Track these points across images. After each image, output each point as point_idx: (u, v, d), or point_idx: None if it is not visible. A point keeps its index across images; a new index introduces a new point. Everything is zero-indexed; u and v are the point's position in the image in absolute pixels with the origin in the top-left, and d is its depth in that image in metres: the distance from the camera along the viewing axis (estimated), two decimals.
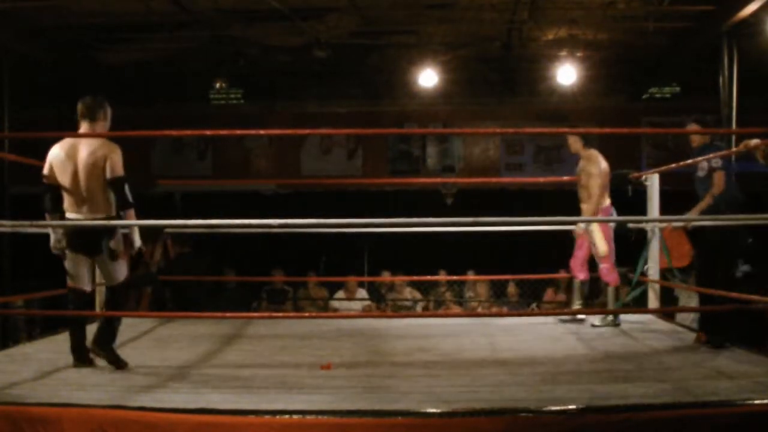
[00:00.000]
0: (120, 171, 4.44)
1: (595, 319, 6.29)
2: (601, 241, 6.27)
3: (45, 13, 8.80)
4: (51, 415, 3.48)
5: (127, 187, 4.45)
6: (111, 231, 4.50)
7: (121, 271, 4.62)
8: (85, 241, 4.51)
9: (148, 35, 9.75)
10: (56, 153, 4.46)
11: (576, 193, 6.51)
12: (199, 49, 10.27)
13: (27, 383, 4.08)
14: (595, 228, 6.29)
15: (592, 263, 6.50)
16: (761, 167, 10.73)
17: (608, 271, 6.31)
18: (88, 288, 4.62)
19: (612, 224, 6.31)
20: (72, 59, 10.19)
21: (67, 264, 4.56)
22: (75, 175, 4.41)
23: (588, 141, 6.47)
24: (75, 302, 4.56)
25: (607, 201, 6.35)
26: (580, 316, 6.47)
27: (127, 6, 8.53)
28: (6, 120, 8.79)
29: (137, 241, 4.63)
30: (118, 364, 4.47)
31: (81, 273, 4.57)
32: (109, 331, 4.54)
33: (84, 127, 4.52)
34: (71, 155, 4.43)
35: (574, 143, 6.49)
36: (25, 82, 9.76)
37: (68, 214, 4.47)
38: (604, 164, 6.37)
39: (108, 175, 4.40)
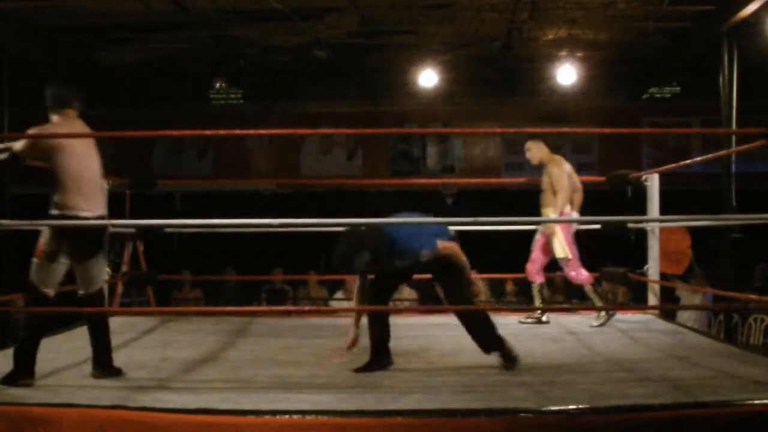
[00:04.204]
0: None
1: (593, 320, 6.29)
2: (561, 246, 6.25)
3: (45, 13, 8.79)
4: (51, 415, 3.48)
5: None
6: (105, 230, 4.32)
7: (103, 274, 4.44)
8: (87, 241, 4.23)
9: (148, 35, 9.75)
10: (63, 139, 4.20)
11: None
12: (199, 49, 10.26)
13: None
14: (557, 232, 6.27)
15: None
16: (760, 167, 10.81)
17: (577, 274, 6.30)
18: (53, 294, 4.23)
19: (572, 228, 6.30)
20: (72, 59, 10.19)
21: (44, 266, 4.17)
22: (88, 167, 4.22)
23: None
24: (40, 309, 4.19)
25: (568, 206, 6.32)
26: (544, 319, 6.44)
27: (127, 6, 8.53)
28: (6, 120, 8.79)
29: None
30: (119, 374, 4.28)
31: (55, 278, 4.21)
32: (104, 345, 4.29)
33: (56, 119, 4.28)
34: (78, 143, 4.22)
35: (538, 151, 6.40)
36: (25, 82, 9.75)
37: (73, 212, 4.16)
38: (568, 168, 6.39)
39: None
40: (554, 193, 6.27)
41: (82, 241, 4.22)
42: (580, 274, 6.31)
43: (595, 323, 6.20)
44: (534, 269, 6.49)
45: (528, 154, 6.50)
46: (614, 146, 11.50)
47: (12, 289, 7.94)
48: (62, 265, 4.22)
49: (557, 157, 6.46)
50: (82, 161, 4.22)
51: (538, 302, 6.54)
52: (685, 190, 9.72)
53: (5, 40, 8.90)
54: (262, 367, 4.65)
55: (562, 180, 6.26)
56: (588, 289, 6.33)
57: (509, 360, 4.42)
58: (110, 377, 4.21)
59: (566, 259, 6.28)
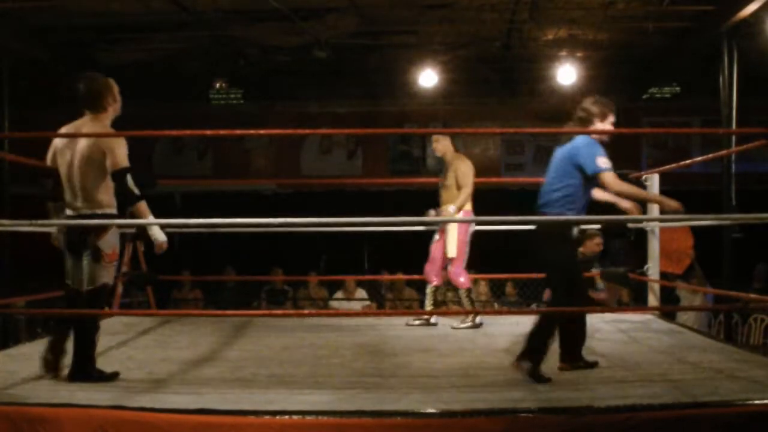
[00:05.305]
0: (123, 162, 4.23)
1: (455, 321, 6.27)
2: (454, 243, 6.19)
3: (45, 13, 8.79)
4: (51, 415, 3.48)
5: (130, 179, 4.24)
6: (99, 228, 4.15)
7: (102, 275, 4.19)
8: (72, 238, 4.21)
9: (148, 35, 9.75)
10: (59, 139, 4.26)
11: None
12: (199, 49, 10.27)
13: (27, 383, 4.08)
14: (452, 229, 6.22)
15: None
16: (760, 167, 10.78)
17: (457, 274, 6.23)
18: (82, 288, 4.21)
19: (470, 228, 6.26)
20: (72, 59, 10.19)
21: (66, 261, 4.28)
22: (71, 165, 4.20)
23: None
24: (67, 302, 4.23)
25: (470, 204, 6.30)
26: (432, 320, 6.37)
27: (127, 6, 8.53)
28: (6, 120, 8.80)
29: (158, 236, 4.36)
30: (109, 379, 4.17)
31: (74, 271, 4.23)
32: (86, 349, 4.14)
33: (88, 116, 4.28)
34: (70, 143, 4.20)
35: (444, 146, 6.38)
36: (25, 82, 9.76)
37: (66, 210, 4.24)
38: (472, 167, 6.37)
39: (109, 168, 4.18)
40: (458, 188, 6.24)
41: (69, 237, 4.26)
42: (459, 276, 6.23)
43: (462, 326, 6.17)
44: (433, 270, 6.41)
45: (434, 145, 6.50)
46: (614, 146, 11.48)
47: (13, 290, 7.97)
48: (73, 261, 4.25)
49: (462, 155, 6.46)
50: (67, 161, 4.22)
51: (429, 304, 6.40)
52: (685, 190, 9.70)
53: (5, 40, 8.91)
54: (262, 367, 4.65)
55: (469, 177, 6.25)
56: (462, 292, 6.26)
57: (536, 376, 4.19)
58: (88, 382, 4.07)
59: (453, 258, 6.23)
